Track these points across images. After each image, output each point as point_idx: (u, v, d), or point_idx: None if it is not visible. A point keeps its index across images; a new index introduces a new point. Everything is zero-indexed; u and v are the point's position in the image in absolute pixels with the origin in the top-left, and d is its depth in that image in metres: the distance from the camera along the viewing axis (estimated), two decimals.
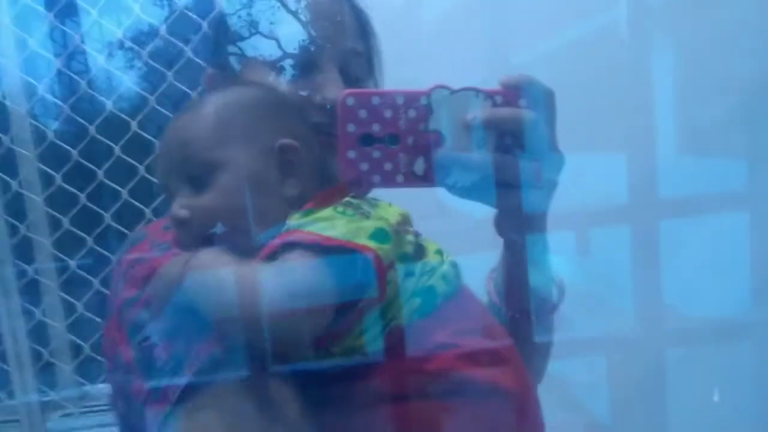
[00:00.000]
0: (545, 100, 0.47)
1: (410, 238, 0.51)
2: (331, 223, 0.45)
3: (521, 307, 0.55)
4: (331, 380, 0.45)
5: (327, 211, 0.47)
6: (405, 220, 0.51)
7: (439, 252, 0.53)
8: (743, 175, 1.30)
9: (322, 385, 0.45)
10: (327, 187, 0.50)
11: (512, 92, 0.46)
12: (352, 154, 0.44)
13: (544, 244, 0.54)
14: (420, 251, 0.51)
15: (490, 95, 0.46)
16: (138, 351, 0.46)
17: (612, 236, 1.40)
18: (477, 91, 0.46)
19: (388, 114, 0.45)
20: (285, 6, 0.56)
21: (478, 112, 0.45)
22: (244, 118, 0.49)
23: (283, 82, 0.55)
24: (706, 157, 1.35)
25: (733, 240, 1.31)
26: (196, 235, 0.47)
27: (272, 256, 0.44)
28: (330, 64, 0.56)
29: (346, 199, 0.48)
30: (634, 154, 1.30)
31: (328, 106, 0.54)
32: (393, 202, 0.53)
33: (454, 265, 0.53)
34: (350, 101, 0.45)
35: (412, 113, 0.45)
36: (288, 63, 0.55)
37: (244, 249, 0.46)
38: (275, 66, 0.55)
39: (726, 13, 1.24)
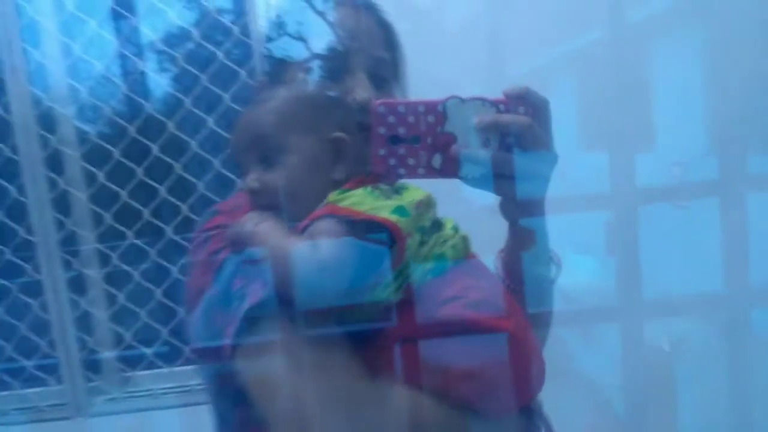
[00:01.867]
0: (541, 108, 0.56)
1: (430, 215, 0.60)
2: (360, 201, 0.56)
3: (522, 279, 0.64)
4: (361, 324, 0.55)
5: (359, 191, 0.57)
6: (428, 201, 0.61)
7: (454, 228, 0.62)
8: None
9: (357, 327, 0.55)
10: (362, 173, 0.59)
11: (513, 101, 0.56)
12: (382, 152, 0.55)
13: (543, 226, 0.62)
14: (437, 226, 0.60)
15: (494, 103, 0.56)
16: (219, 286, 0.57)
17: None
18: (483, 100, 0.56)
19: (411, 119, 0.55)
20: (324, 20, 0.65)
21: (484, 117, 0.54)
22: (308, 113, 0.59)
23: (319, 85, 0.64)
24: None
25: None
26: (262, 203, 0.58)
27: (311, 224, 0.54)
28: (360, 69, 0.65)
29: (378, 185, 0.58)
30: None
31: (358, 107, 0.63)
32: (423, 188, 0.63)
33: (464, 239, 0.62)
34: (381, 109, 0.55)
35: (430, 118, 0.55)
36: (324, 68, 0.65)
37: (296, 217, 0.56)
38: (314, 70, 0.64)
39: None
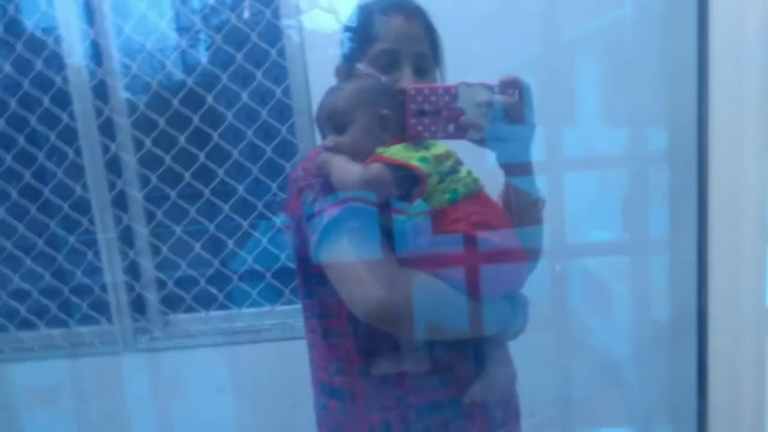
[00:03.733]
0: (525, 90, 0.79)
1: (448, 163, 0.83)
2: (396, 152, 0.80)
3: (515, 211, 0.88)
4: (400, 236, 0.81)
5: (396, 147, 0.81)
6: (447, 154, 0.84)
7: (468, 173, 0.86)
8: None
9: (394, 234, 0.81)
10: (401, 136, 0.83)
11: (505, 85, 0.79)
12: (413, 121, 0.79)
13: (530, 173, 0.87)
14: (454, 171, 0.83)
15: (492, 87, 0.79)
16: (306, 208, 0.83)
17: None
18: (485, 84, 0.79)
19: (433, 98, 0.79)
20: (381, 25, 0.88)
21: (484, 97, 0.78)
22: (366, 97, 0.83)
23: (377, 74, 0.87)
24: None
25: None
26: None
27: (368, 165, 0.80)
28: (406, 64, 0.87)
29: (410, 144, 0.82)
30: None
31: (403, 93, 0.85)
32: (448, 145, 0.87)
33: (475, 180, 0.86)
34: (412, 92, 0.79)
35: (447, 98, 0.79)
36: (380, 63, 0.87)
37: (360, 160, 0.81)
38: (373, 64, 0.87)
39: None
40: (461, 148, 0.85)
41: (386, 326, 0.79)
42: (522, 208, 0.87)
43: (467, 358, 0.89)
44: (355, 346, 0.88)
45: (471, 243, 0.79)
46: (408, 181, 0.79)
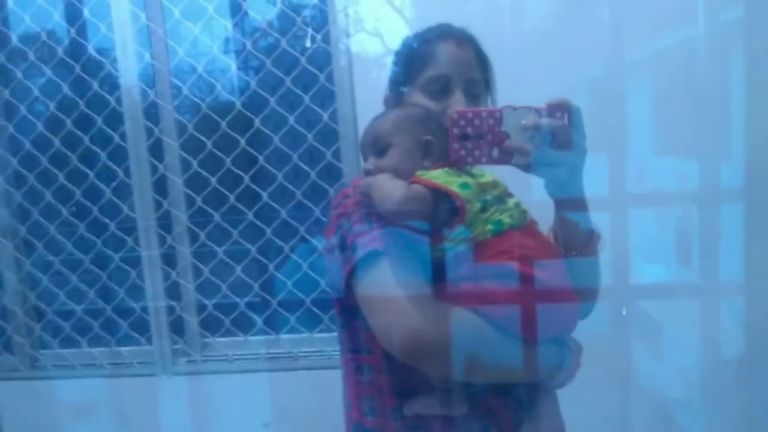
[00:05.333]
0: (574, 114, 0.73)
1: (495, 192, 0.78)
2: (436, 176, 0.76)
3: (566, 245, 0.81)
4: (438, 267, 0.76)
5: (437, 171, 0.77)
6: (493, 183, 0.79)
7: (516, 204, 0.80)
8: None
9: (432, 267, 0.76)
10: (444, 162, 0.79)
11: (552, 108, 0.73)
12: (456, 146, 0.75)
13: (582, 202, 0.80)
14: (500, 200, 0.78)
15: (538, 110, 0.73)
16: (341, 235, 0.79)
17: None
18: (530, 108, 0.73)
19: (476, 122, 0.74)
20: (433, 53, 0.85)
21: (530, 121, 0.72)
22: (408, 123, 0.81)
23: (428, 101, 0.84)
24: None
25: None
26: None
27: (409, 185, 0.76)
28: (458, 90, 0.84)
29: (453, 169, 0.78)
30: None
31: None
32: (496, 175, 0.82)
33: (522, 211, 0.79)
34: (455, 116, 0.75)
35: (491, 121, 0.74)
36: (431, 90, 0.84)
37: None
38: (425, 91, 0.85)
39: None
40: (512, 179, 0.80)
41: (418, 362, 0.73)
42: (573, 242, 0.80)
43: (510, 405, 0.81)
44: (389, 385, 0.81)
45: (513, 278, 0.72)
46: (447, 207, 0.74)
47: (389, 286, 0.72)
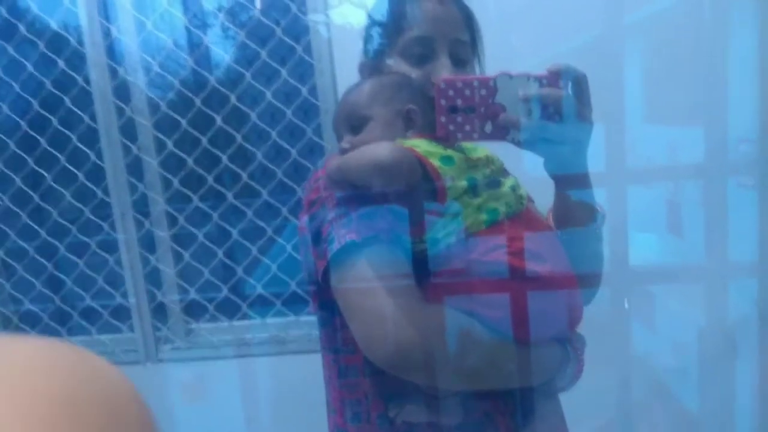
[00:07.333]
0: (579, 82, 0.65)
1: (486, 171, 0.70)
2: (417, 144, 0.68)
3: (567, 226, 0.73)
4: (423, 260, 0.68)
5: (419, 140, 0.69)
6: (486, 160, 0.71)
7: (512, 187, 0.72)
8: None
9: (419, 262, 0.67)
10: (429, 132, 0.71)
11: (554, 76, 0.64)
12: (443, 119, 0.66)
13: (586, 182, 0.72)
14: (495, 183, 0.70)
15: (537, 78, 0.64)
16: (314, 225, 0.71)
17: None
18: (528, 75, 0.65)
19: (467, 92, 0.65)
20: (413, 11, 0.75)
21: (528, 90, 0.63)
22: (386, 92, 0.72)
23: (409, 67, 0.75)
24: None
25: None
26: None
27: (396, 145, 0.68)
28: (443, 53, 0.75)
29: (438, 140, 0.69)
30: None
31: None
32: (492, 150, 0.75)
33: (520, 197, 0.72)
34: (443, 85, 0.65)
35: (483, 91, 0.65)
36: (413, 53, 0.75)
37: None
38: (405, 55, 0.75)
39: None
40: (507, 153, 0.72)
41: (405, 375, 0.66)
42: (576, 224, 0.73)
43: (509, 411, 0.74)
44: (375, 389, 0.73)
45: (511, 276, 0.65)
46: (424, 182, 0.66)
47: (369, 285, 0.64)
